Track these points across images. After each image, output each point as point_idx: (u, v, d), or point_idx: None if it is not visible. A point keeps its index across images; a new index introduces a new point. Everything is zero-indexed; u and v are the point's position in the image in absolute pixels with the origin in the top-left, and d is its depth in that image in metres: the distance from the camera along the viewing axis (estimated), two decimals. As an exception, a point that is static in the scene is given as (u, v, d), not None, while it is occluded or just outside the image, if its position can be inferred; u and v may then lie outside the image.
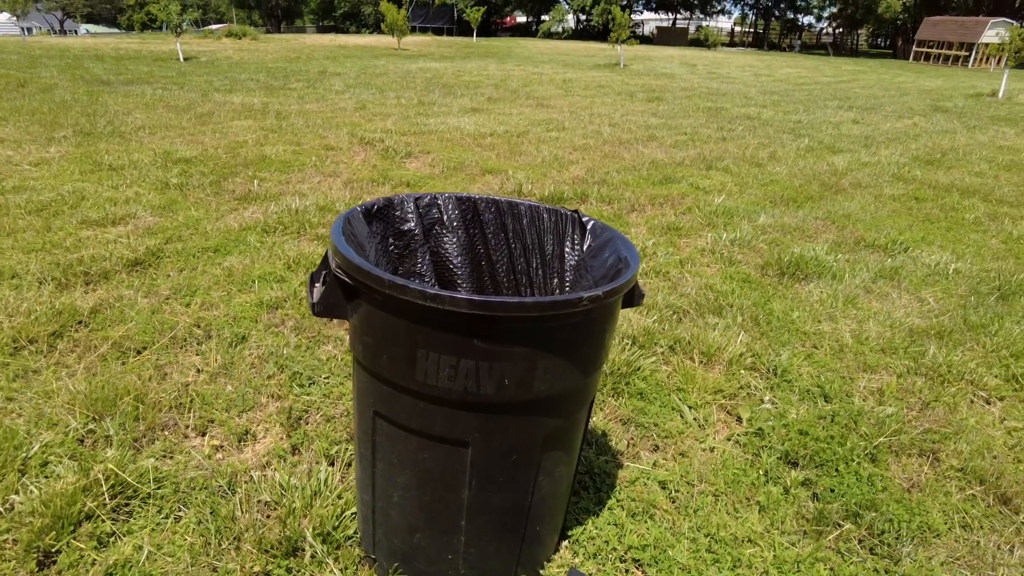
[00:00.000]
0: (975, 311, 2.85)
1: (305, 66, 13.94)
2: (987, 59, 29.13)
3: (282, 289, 2.71)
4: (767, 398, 2.13)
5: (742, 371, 2.26)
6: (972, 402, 2.19)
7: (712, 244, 3.53)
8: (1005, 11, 37.53)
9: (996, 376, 2.34)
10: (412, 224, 1.44)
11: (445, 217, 1.49)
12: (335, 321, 2.50)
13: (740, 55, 31.09)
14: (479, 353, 1.03)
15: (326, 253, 1.13)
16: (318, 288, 1.13)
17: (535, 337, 1.04)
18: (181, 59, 14.49)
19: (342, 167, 4.95)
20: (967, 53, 30.51)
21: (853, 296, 2.93)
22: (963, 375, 2.31)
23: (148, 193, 4.03)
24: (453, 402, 1.08)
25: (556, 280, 1.48)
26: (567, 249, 1.46)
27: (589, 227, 1.42)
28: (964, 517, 1.67)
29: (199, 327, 2.40)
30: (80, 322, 2.40)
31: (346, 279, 1.08)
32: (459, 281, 1.51)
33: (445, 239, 1.49)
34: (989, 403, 2.21)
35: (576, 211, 1.44)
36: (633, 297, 1.27)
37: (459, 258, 1.50)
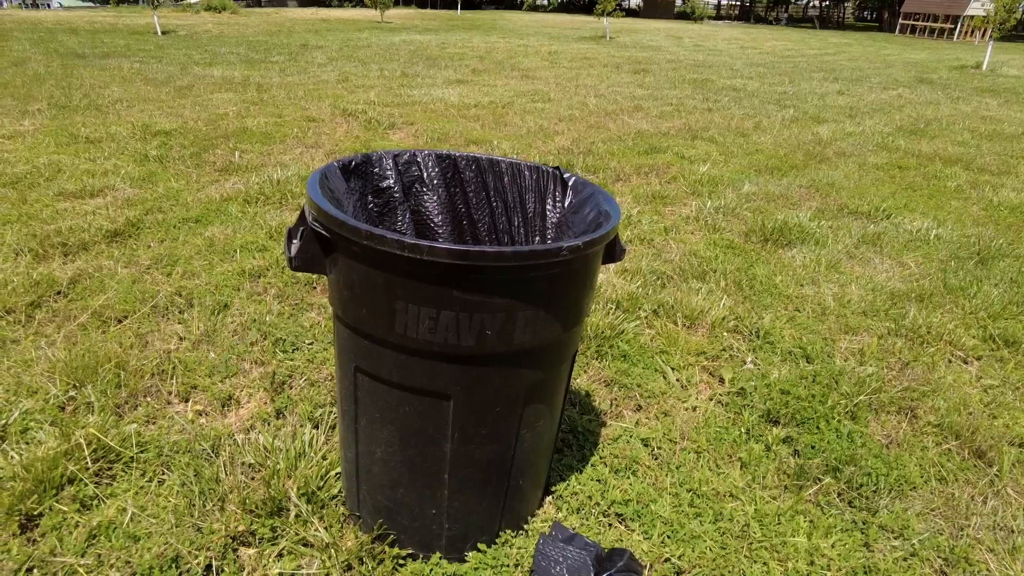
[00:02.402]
0: (955, 275, 2.88)
1: (287, 40, 13.67)
2: (972, 31, 29.13)
3: (264, 258, 2.68)
4: (749, 359, 2.15)
5: (725, 333, 2.28)
6: (950, 362, 2.23)
7: (696, 212, 3.53)
8: (991, -17, 37.32)
9: (974, 337, 2.38)
10: (391, 181, 1.42)
11: (425, 175, 1.47)
12: (317, 288, 2.48)
13: (727, 28, 30.85)
14: (459, 304, 1.02)
15: (302, 209, 1.12)
16: (295, 243, 1.12)
17: (515, 288, 1.04)
18: (159, 33, 14.15)
19: (324, 138, 4.88)
20: (953, 26, 30.48)
21: (836, 261, 2.95)
22: (942, 336, 2.34)
23: (127, 165, 3.96)
24: (433, 354, 1.08)
25: (538, 238, 1.48)
26: (548, 206, 1.46)
27: (571, 183, 1.41)
28: (940, 470, 1.70)
29: (181, 296, 2.38)
30: (59, 292, 2.36)
31: (323, 232, 1.06)
32: (441, 239, 1.50)
33: (425, 197, 1.48)
34: (967, 362, 2.24)
35: (557, 167, 1.43)
36: (614, 252, 1.26)
37: (440, 216, 1.49)
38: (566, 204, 1.41)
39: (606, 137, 5.30)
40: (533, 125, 5.64)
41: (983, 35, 27.35)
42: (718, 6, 58.19)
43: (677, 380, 2.01)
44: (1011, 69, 14.18)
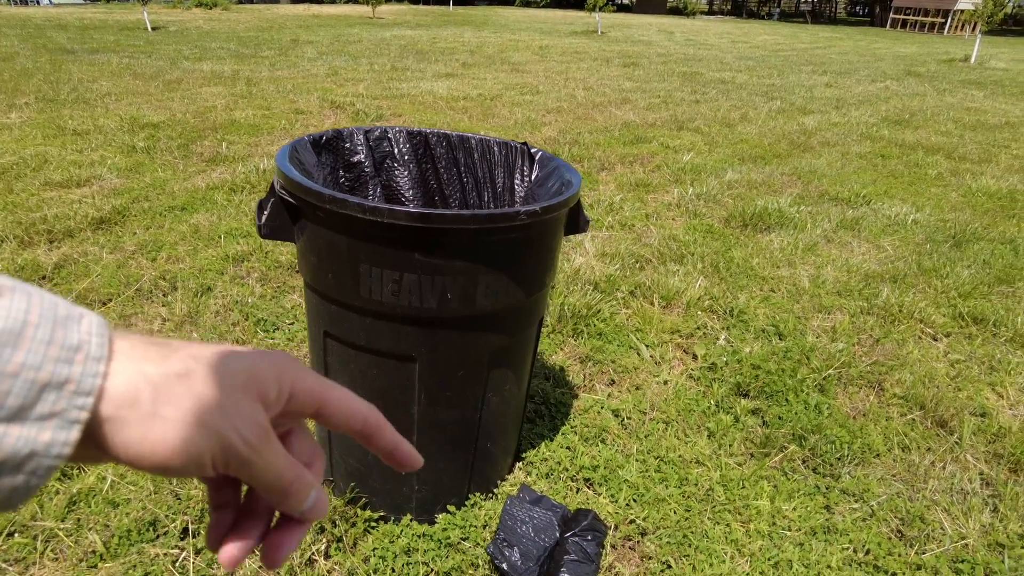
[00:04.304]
0: (929, 257, 2.93)
1: (277, 35, 13.66)
2: (962, 26, 29.26)
3: (248, 244, 2.71)
4: (723, 336, 2.19)
5: (699, 313, 2.32)
6: (920, 338, 2.28)
7: (678, 199, 3.57)
8: (981, -23, 37.48)
9: (944, 315, 2.43)
10: (362, 156, 1.46)
11: (396, 151, 1.51)
12: (299, 271, 2.52)
13: (718, 23, 30.90)
14: (421, 267, 1.06)
15: (273, 180, 1.15)
16: (265, 213, 1.15)
17: (475, 252, 1.08)
18: (149, 29, 14.11)
19: (312, 130, 4.90)
20: (943, 20, 30.60)
21: (813, 244, 3.00)
22: (912, 314, 2.39)
23: (114, 156, 3.97)
24: (398, 317, 1.12)
25: (507, 212, 1.51)
26: (517, 181, 1.49)
27: (537, 158, 1.45)
28: (903, 439, 1.75)
29: (165, 279, 2.41)
30: (43, 277, 2.39)
31: (290, 199, 1.10)
32: (411, 214, 1.54)
33: (397, 172, 1.52)
34: (936, 339, 2.30)
35: (525, 143, 1.47)
36: (578, 222, 1.30)
37: (411, 191, 1.53)
38: (533, 178, 1.45)
39: (593, 128, 5.34)
40: (521, 117, 5.67)
41: (973, 29, 27.47)
42: (710, 1, 58.24)
43: (651, 356, 2.05)
44: (999, 62, 14.27)
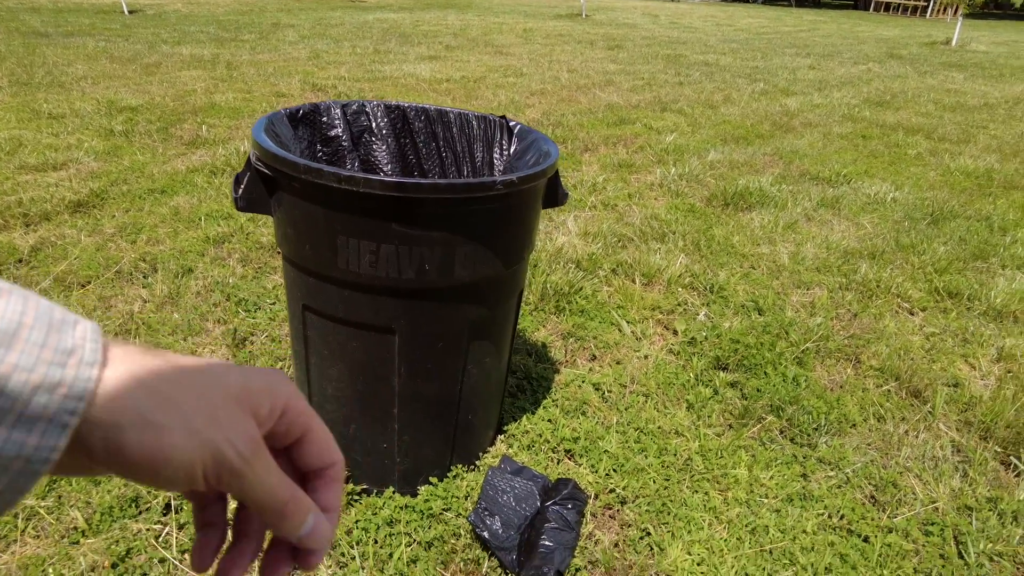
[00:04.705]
0: (907, 234, 2.97)
1: (258, 18, 13.45)
2: (944, 9, 29.39)
3: (228, 225, 2.69)
4: (703, 312, 2.21)
5: (680, 289, 2.34)
6: (896, 312, 2.31)
7: (661, 179, 3.59)
8: (964, -40, 37.72)
9: (920, 290, 2.47)
10: (340, 131, 1.45)
11: (374, 125, 1.50)
12: (280, 251, 2.50)
13: (703, 6, 30.82)
14: (398, 237, 1.06)
15: (249, 155, 1.15)
16: (241, 186, 1.15)
17: (452, 222, 1.08)
18: (126, 12, 13.84)
19: (294, 113, 4.85)
20: (925, 3, 30.72)
21: (793, 222, 3.03)
22: (890, 289, 2.43)
23: (91, 140, 3.91)
24: (376, 288, 1.12)
25: (486, 186, 1.52)
26: (496, 155, 1.49)
27: (516, 131, 1.45)
28: (878, 409, 1.79)
29: (145, 261, 2.39)
30: (20, 260, 2.36)
31: (265, 171, 1.09)
32: (391, 189, 1.53)
33: (375, 147, 1.51)
34: (912, 313, 2.33)
35: (503, 116, 1.47)
36: (556, 195, 1.31)
37: (390, 165, 1.52)
38: (511, 151, 1.45)
39: (576, 110, 5.33)
40: (504, 99, 5.65)
41: (955, 13, 27.61)
42: (696, -15, 57.93)
43: (632, 332, 2.07)
44: (979, 45, 14.38)
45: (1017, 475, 1.56)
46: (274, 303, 2.13)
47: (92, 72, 6.22)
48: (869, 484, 1.50)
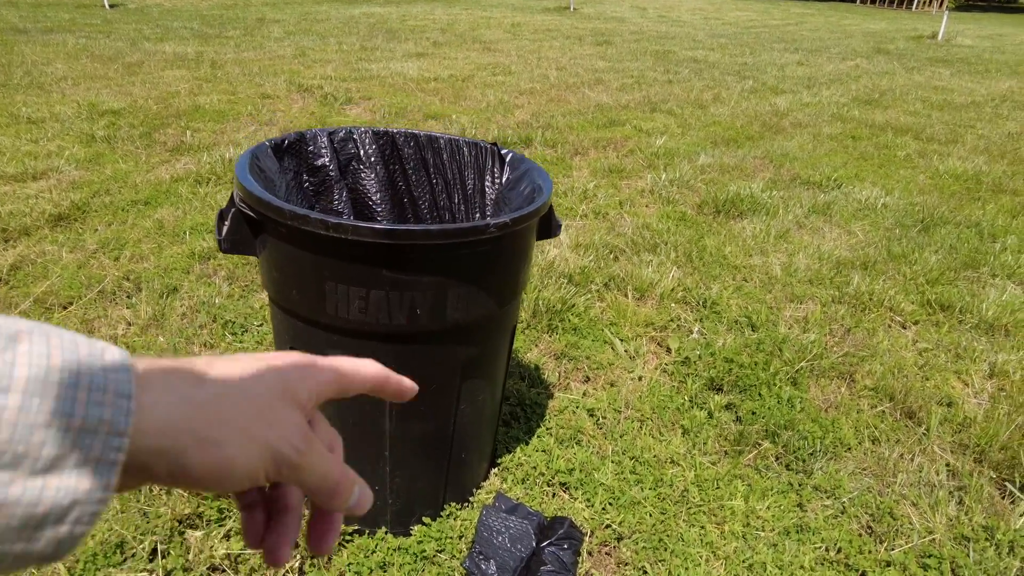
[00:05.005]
0: (898, 242, 2.97)
1: (242, 13, 13.26)
2: (930, 2, 29.52)
3: (214, 240, 2.63)
4: (696, 329, 2.20)
5: (673, 304, 2.32)
6: (889, 327, 2.31)
7: (652, 185, 3.56)
8: (949, -48, 38.06)
9: (912, 302, 2.46)
10: (326, 160, 1.41)
11: (362, 152, 1.46)
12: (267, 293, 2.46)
13: (692, -2, 30.71)
14: (389, 283, 1.03)
15: (232, 194, 1.11)
16: (225, 224, 1.11)
17: (445, 265, 1.05)
18: (107, 6, 13.60)
19: (279, 115, 4.78)
20: (912, -5, 30.80)
21: (785, 231, 3.02)
22: (883, 302, 2.42)
23: (72, 146, 3.83)
24: (366, 334, 1.09)
25: (478, 215, 1.49)
26: (487, 183, 1.46)
27: (508, 159, 1.42)
28: (873, 432, 1.78)
29: (128, 280, 2.34)
30: (-1, 279, 2.30)
31: (250, 213, 1.06)
32: (380, 218, 1.50)
33: (363, 175, 1.47)
34: (904, 327, 2.33)
35: (495, 143, 1.43)
36: (550, 227, 1.28)
37: (379, 194, 1.49)
38: (503, 180, 1.42)
39: (566, 111, 5.29)
40: (493, 99, 5.60)
41: (940, 5, 27.74)
42: (683, -24, 57.75)
43: (625, 351, 2.05)
44: (965, 39, 14.45)
45: (1012, 501, 1.55)
46: (261, 324, 2.09)
47: (72, 72, 6.11)
48: (866, 513, 1.49)
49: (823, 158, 4.32)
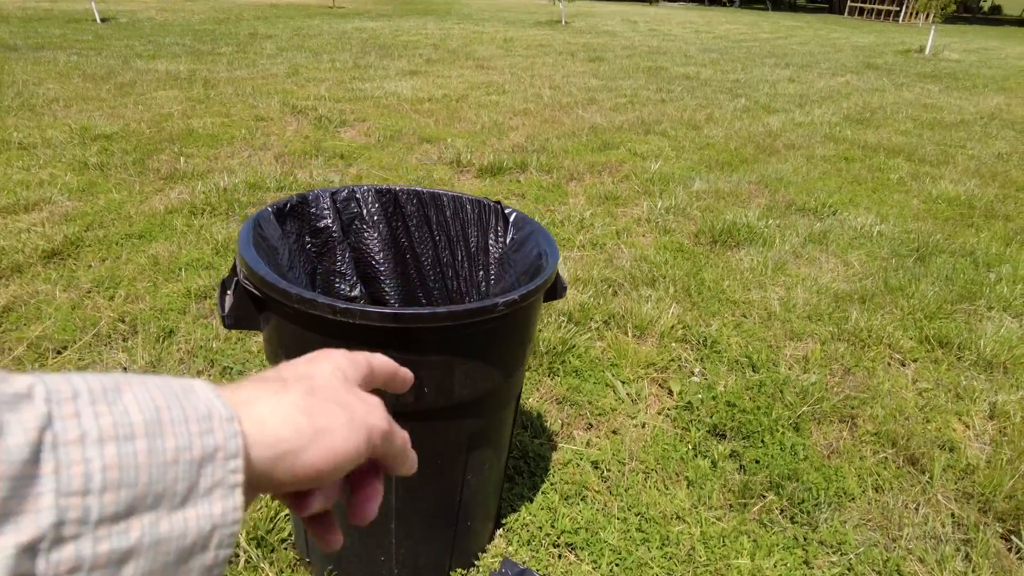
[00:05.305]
0: (895, 273, 2.98)
1: (235, 28, 13.25)
2: (916, 14, 29.88)
3: (210, 277, 2.62)
4: (697, 370, 2.19)
5: (673, 344, 2.32)
6: (889, 365, 2.31)
7: (648, 213, 3.57)
8: (934, -35, 38.58)
9: (911, 338, 2.47)
10: (329, 221, 1.40)
11: (365, 211, 1.45)
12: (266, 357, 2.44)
13: (681, 11, 31.02)
14: (395, 363, 1.02)
15: (235, 262, 1.09)
16: (228, 298, 1.09)
17: (452, 344, 1.04)
18: (98, 20, 13.56)
19: (273, 139, 4.76)
20: (898, 8, 31.23)
21: (783, 262, 3.02)
22: (881, 339, 2.43)
23: (64, 174, 3.80)
24: (372, 412, 1.07)
25: (482, 273, 1.48)
26: (491, 241, 1.45)
27: (512, 219, 1.41)
28: (876, 480, 1.77)
29: (124, 322, 2.31)
30: (-9, 322, 2.27)
31: (255, 291, 1.04)
32: (382, 277, 1.49)
33: (366, 234, 1.46)
34: (904, 365, 2.33)
35: (498, 202, 1.43)
36: (556, 291, 1.27)
37: (381, 253, 1.47)
38: (508, 241, 1.41)
39: (560, 132, 5.30)
40: (488, 120, 5.60)
41: (927, 18, 28.10)
42: (673, -13, 58.36)
43: (627, 394, 2.04)
44: (952, 53, 14.62)
45: (1019, 556, 1.55)
46: (259, 368, 2.07)
47: (64, 93, 6.07)
48: (872, 571, 1.48)
49: (817, 182, 4.34)
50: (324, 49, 10.04)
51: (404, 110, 5.86)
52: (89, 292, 2.50)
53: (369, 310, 0.95)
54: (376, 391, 0.46)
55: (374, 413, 0.39)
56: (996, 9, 53.18)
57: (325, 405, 0.36)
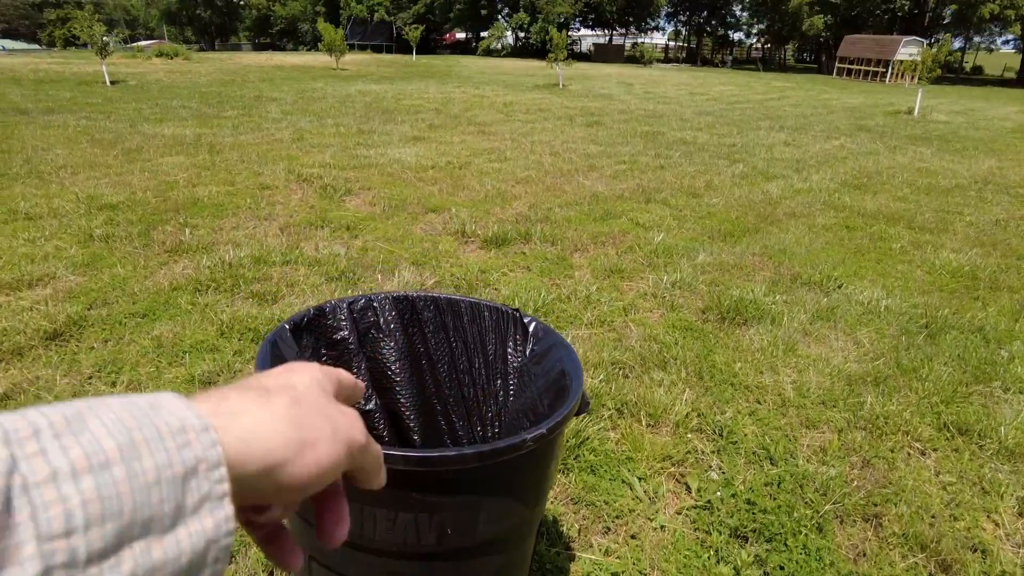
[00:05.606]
0: (906, 353, 2.95)
1: (240, 90, 13.58)
2: (902, 75, 30.85)
3: (215, 361, 2.58)
4: (714, 464, 2.13)
5: (689, 434, 2.26)
6: (909, 456, 2.25)
7: (654, 287, 3.56)
8: (914, 30, 40.23)
9: (929, 425, 2.42)
10: (346, 332, 1.37)
11: (382, 320, 1.43)
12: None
13: (675, 72, 31.97)
14: (417, 506, 0.97)
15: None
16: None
17: (477, 484, 0.99)
18: (107, 83, 13.91)
19: (278, 208, 4.80)
20: (884, 69, 32.28)
21: (793, 342, 2.99)
22: (899, 427, 2.38)
23: (70, 247, 3.80)
24: (392, 553, 1.02)
25: (500, 381, 1.44)
26: (510, 349, 1.42)
27: (531, 329, 1.38)
28: (908, 587, 1.70)
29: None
30: (-11, 411, 2.21)
31: (273, 426, 1.00)
32: (398, 388, 1.45)
33: (382, 343, 1.43)
34: (924, 454, 2.28)
35: (517, 309, 1.40)
36: (580, 410, 1.23)
37: (398, 363, 1.44)
38: (527, 352, 1.38)
39: (562, 201, 5.35)
40: (491, 188, 5.67)
41: (912, 79, 28.99)
42: (666, 49, 60.40)
43: (644, 492, 1.98)
44: (940, 115, 15.02)
45: None
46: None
47: (72, 159, 6.15)
48: None
49: (820, 253, 4.36)
50: (328, 113, 10.25)
51: (408, 178, 5.94)
52: (90, 378, 2.45)
53: (391, 453, 0.91)
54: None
55: (354, 426, 0.38)
56: (977, 69, 55.00)
57: (310, 416, 0.35)
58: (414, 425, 1.47)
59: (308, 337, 1.31)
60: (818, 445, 2.26)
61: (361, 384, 0.49)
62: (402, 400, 1.46)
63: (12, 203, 4.60)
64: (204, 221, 4.41)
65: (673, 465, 2.12)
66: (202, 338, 2.75)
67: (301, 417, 0.35)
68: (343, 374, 0.46)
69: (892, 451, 2.25)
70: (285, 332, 1.24)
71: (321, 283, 3.41)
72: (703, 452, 2.19)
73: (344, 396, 0.45)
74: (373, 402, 1.41)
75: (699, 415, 2.37)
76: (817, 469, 2.12)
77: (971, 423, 2.41)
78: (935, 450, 2.30)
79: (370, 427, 1.39)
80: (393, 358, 1.44)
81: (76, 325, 2.84)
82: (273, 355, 1.14)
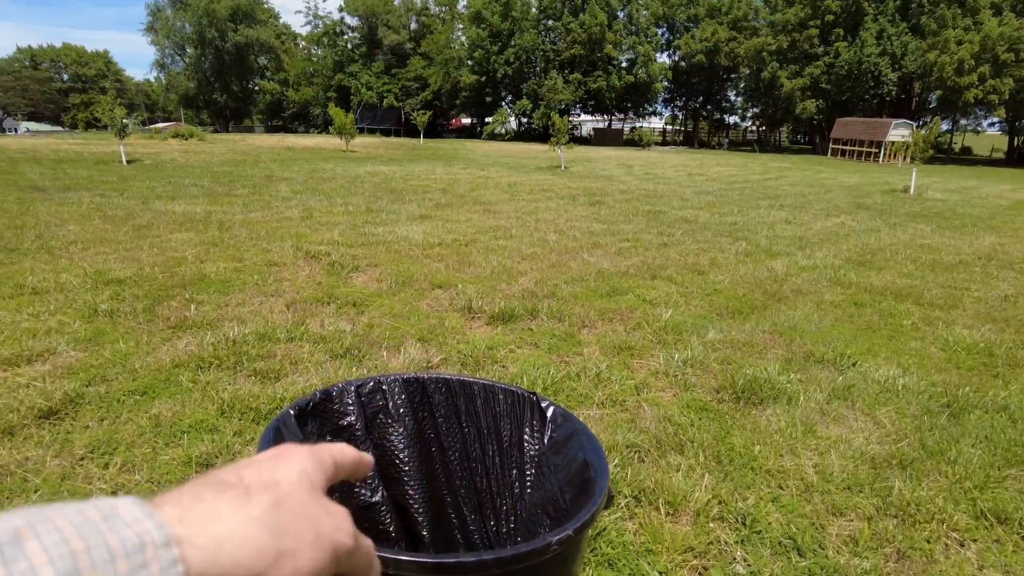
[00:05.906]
0: (930, 433, 2.84)
1: (252, 170, 13.95)
2: (894, 155, 31.74)
3: (214, 442, 2.48)
4: (738, 555, 2.00)
5: (710, 523, 2.14)
6: (947, 546, 2.12)
7: (665, 365, 3.48)
8: (902, 114, 41.81)
9: (964, 512, 2.29)
10: (353, 418, 1.30)
11: (391, 404, 1.36)
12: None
13: (673, 154, 32.91)
14: (432, 613, 0.88)
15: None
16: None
17: (497, 588, 0.90)
18: (124, 162, 14.32)
19: (285, 284, 4.79)
20: (877, 150, 33.22)
21: (811, 423, 2.89)
22: (933, 514, 2.25)
23: (73, 322, 3.77)
24: (402, 668, 0.92)
25: (515, 471, 1.36)
26: (526, 436, 1.35)
27: (549, 414, 1.31)
28: None
29: (116, 495, 2.14)
30: (-27, 497, 2.11)
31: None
32: (406, 478, 1.37)
33: (390, 429, 1.36)
34: (963, 545, 2.14)
35: (534, 393, 1.34)
36: (605, 504, 1.15)
37: (407, 450, 1.36)
38: (546, 440, 1.30)
39: (568, 278, 5.35)
40: (496, 265, 5.68)
41: (904, 159, 29.78)
42: (664, 132, 62.52)
43: (666, 589, 1.84)
44: (935, 192, 15.31)
45: None
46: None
47: (83, 235, 6.22)
48: None
49: (831, 330, 4.30)
50: (337, 192, 10.47)
51: (415, 255, 5.97)
52: (82, 459, 2.36)
53: (403, 559, 0.82)
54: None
55: (341, 528, 0.36)
56: (966, 150, 56.66)
57: (291, 521, 0.33)
58: (423, 519, 1.38)
59: (313, 423, 1.24)
60: (847, 534, 2.13)
61: (368, 457, 0.46)
62: (410, 492, 1.38)
63: (20, 277, 4.61)
64: (210, 297, 4.39)
65: (695, 557, 1.99)
66: (202, 417, 2.66)
67: (281, 522, 0.32)
68: (343, 452, 0.43)
69: (928, 542, 2.11)
70: (289, 418, 1.17)
71: (326, 360, 3.35)
72: (726, 543, 2.06)
73: (346, 474, 0.43)
74: (380, 494, 1.33)
75: (720, 502, 2.25)
76: (849, 561, 1.98)
77: (1009, 511, 2.28)
78: (975, 540, 2.16)
79: (376, 521, 1.30)
80: (402, 445, 1.37)
81: (72, 403, 2.76)
82: (276, 443, 1.07)
